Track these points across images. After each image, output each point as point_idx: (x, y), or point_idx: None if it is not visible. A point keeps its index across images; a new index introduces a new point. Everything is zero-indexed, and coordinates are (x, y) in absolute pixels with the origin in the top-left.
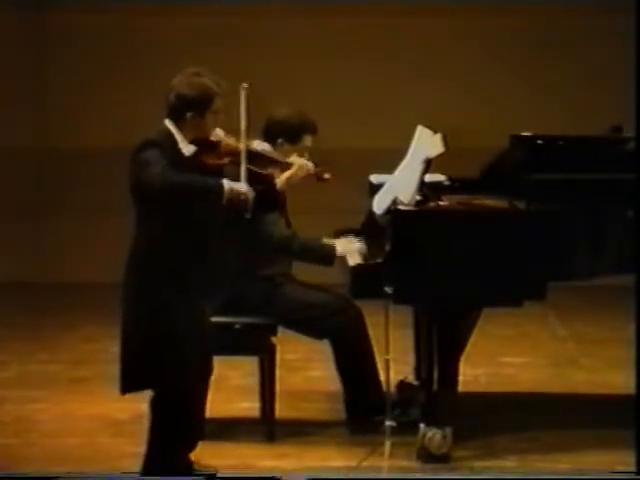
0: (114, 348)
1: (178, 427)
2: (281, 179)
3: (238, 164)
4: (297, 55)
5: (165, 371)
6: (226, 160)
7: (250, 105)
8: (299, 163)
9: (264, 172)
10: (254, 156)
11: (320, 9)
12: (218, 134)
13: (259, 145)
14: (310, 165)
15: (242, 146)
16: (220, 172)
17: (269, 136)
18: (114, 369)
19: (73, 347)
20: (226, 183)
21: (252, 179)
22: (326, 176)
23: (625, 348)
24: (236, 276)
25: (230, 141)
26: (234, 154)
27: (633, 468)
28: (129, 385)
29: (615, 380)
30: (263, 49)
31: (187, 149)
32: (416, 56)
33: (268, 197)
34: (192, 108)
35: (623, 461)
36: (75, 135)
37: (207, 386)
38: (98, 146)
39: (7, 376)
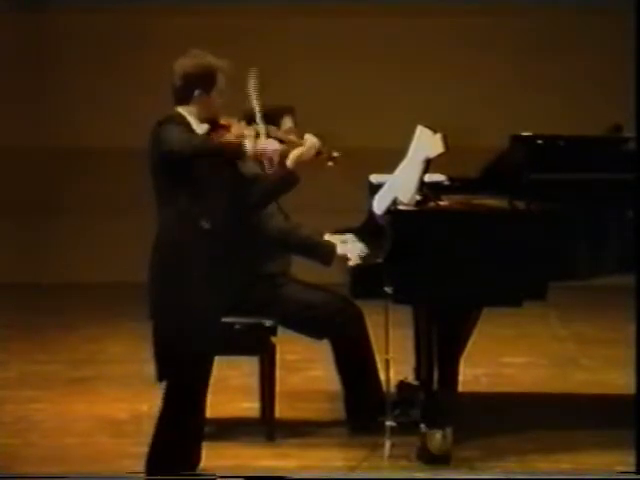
0: (114, 348)
1: (186, 421)
2: (292, 156)
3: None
4: (296, 55)
5: (182, 360)
6: (240, 141)
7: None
8: (311, 140)
9: (279, 150)
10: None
11: (320, 9)
12: (227, 119)
13: (267, 127)
14: (318, 143)
15: (253, 130)
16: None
17: None
18: (114, 369)
19: (73, 347)
20: (248, 143)
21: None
22: (334, 154)
23: (625, 348)
24: (236, 275)
25: (240, 125)
26: (245, 136)
27: (633, 468)
28: (164, 373)
29: (615, 380)
30: (262, 49)
31: (200, 128)
32: (416, 56)
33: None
34: (198, 85)
35: (623, 461)
36: (75, 135)
37: (207, 383)
38: (98, 146)
39: (7, 376)
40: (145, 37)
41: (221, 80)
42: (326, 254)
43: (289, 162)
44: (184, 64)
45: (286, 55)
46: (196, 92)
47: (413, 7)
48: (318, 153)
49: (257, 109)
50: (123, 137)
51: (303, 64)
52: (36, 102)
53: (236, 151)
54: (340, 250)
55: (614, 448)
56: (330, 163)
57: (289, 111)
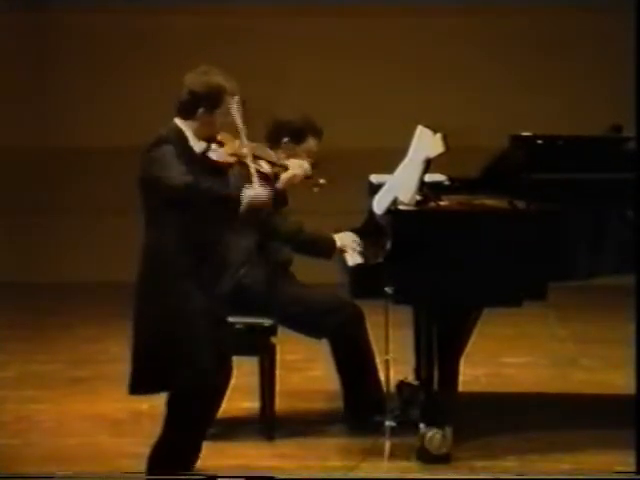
0: (114, 348)
1: (193, 428)
2: (281, 180)
3: (244, 164)
4: (297, 55)
5: (181, 372)
6: (233, 159)
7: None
8: (297, 165)
9: (269, 172)
10: (256, 158)
11: (320, 9)
12: (224, 135)
13: (259, 148)
14: (307, 167)
15: (246, 150)
16: (227, 170)
17: (274, 137)
18: (114, 369)
19: (73, 347)
20: (247, 191)
21: (260, 179)
22: (321, 181)
23: (625, 348)
24: (236, 267)
25: (235, 143)
26: (239, 155)
27: (633, 468)
28: (141, 387)
29: (615, 380)
30: (262, 49)
31: (198, 146)
32: (416, 56)
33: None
34: (203, 104)
35: (623, 461)
36: (75, 135)
37: (226, 389)
38: (98, 146)
39: (7, 376)
40: (145, 37)
41: (228, 102)
42: (328, 247)
43: (280, 184)
44: (193, 80)
45: (286, 55)
46: (200, 110)
47: (413, 7)
48: (307, 177)
49: (243, 133)
50: (123, 137)
51: (303, 64)
52: (36, 102)
53: (232, 205)
54: (339, 242)
55: (614, 448)
56: (316, 189)
57: (317, 134)
